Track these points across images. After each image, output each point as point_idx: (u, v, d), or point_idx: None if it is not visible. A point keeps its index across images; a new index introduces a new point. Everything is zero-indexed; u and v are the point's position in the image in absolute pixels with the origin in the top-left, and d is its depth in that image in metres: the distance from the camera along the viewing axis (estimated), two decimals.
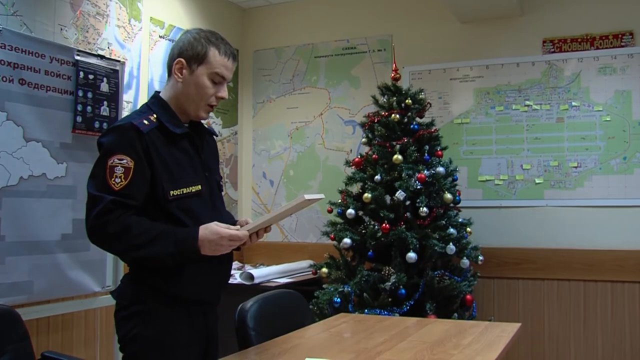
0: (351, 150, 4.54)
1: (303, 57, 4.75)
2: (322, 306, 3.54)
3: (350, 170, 3.88)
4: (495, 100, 4.19)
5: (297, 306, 2.64)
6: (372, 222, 3.63)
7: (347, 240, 3.59)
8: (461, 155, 4.21)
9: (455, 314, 3.52)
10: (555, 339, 3.90)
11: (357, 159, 3.82)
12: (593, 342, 3.84)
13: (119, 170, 1.84)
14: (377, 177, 3.63)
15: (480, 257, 3.69)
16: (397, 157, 3.58)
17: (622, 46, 3.90)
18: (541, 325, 3.96)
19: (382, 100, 3.86)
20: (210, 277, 2.00)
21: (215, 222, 1.90)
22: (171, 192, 1.91)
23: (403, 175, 3.55)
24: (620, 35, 3.91)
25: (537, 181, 4.04)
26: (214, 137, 2.22)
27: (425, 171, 3.56)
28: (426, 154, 3.65)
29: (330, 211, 3.85)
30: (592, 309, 3.86)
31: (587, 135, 3.95)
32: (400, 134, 3.71)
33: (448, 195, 3.54)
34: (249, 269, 4.10)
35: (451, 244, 3.47)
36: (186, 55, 1.98)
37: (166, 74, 2.07)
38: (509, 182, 4.11)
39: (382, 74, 4.43)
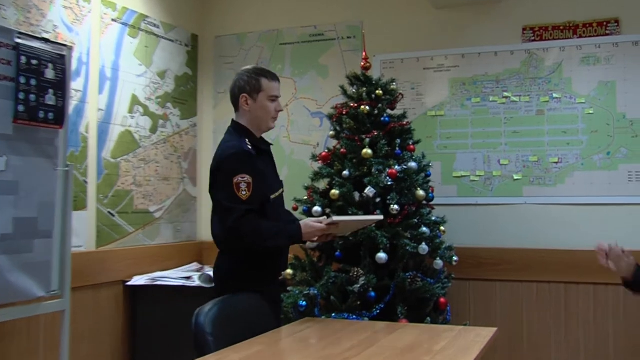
0: (318, 144, 4.54)
1: (267, 44, 4.73)
2: (286, 310, 3.53)
3: (317, 165, 3.86)
4: (471, 92, 4.23)
5: (258, 309, 2.63)
6: None
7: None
8: (435, 150, 4.24)
9: (428, 318, 3.54)
10: (535, 345, 3.95)
11: (324, 153, 3.80)
12: (575, 347, 3.90)
13: (243, 185, 2.73)
14: (346, 172, 3.61)
15: (455, 258, 3.71)
16: (367, 151, 3.58)
17: (607, 34, 3.96)
18: (520, 330, 4.01)
19: (351, 91, 3.86)
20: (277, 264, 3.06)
21: (310, 219, 2.95)
22: (271, 196, 2.87)
23: (373, 170, 3.56)
24: (605, 23, 3.97)
25: (515, 177, 4.10)
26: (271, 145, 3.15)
27: (397, 166, 3.57)
28: (397, 148, 3.66)
29: (295, 208, 3.82)
30: (574, 313, 3.93)
31: (568, 129, 4.01)
32: (370, 126, 3.71)
33: (421, 192, 3.55)
34: (209, 270, 4.06)
35: (424, 243, 3.48)
36: (246, 91, 2.94)
37: (232, 106, 3.06)
38: (486, 178, 4.16)
39: (351, 63, 4.43)
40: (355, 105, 3.76)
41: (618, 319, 3.83)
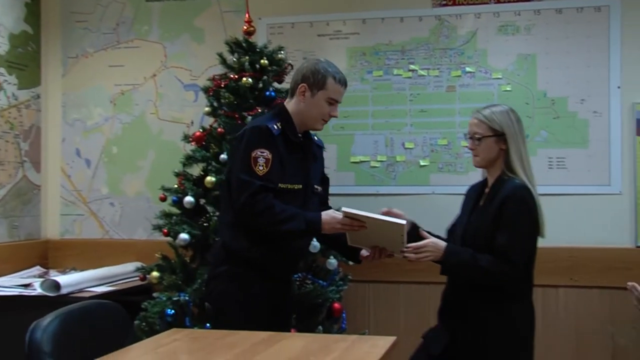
0: (192, 122, 4.48)
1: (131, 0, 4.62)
2: (152, 321, 3.48)
3: (190, 148, 3.83)
4: (372, 63, 4.28)
5: (113, 322, 2.56)
6: (216, 213, 3.61)
7: (184, 236, 3.57)
8: (330, 131, 4.26)
9: (320, 327, 3.57)
10: None
11: (198, 133, 3.78)
12: None
13: (261, 160, 2.90)
14: (223, 156, 3.62)
15: None
16: None
17: (528, 0, 4.09)
18: None
19: (232, 59, 3.84)
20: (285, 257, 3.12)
21: (333, 210, 3.07)
22: (280, 185, 2.96)
23: None
24: None
25: (422, 163, 4.19)
26: (322, 149, 3.37)
27: None
28: None
29: (163, 199, 3.78)
30: None
31: None
32: (253, 102, 3.71)
33: (318, 189, 3.57)
34: (54, 275, 3.94)
35: (315, 240, 3.50)
36: (308, 82, 3.06)
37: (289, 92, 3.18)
38: (388, 164, 4.23)
39: (232, 27, 4.39)
40: (236, 76, 3.74)
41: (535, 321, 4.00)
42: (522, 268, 2.85)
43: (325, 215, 2.99)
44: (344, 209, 2.89)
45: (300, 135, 3.14)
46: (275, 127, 3.01)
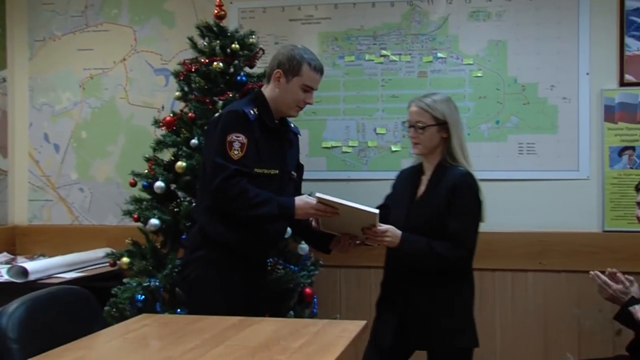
0: (163, 107, 4.46)
1: None
2: (122, 306, 3.47)
3: (161, 133, 3.82)
4: (344, 48, 4.27)
5: (82, 307, 2.55)
6: (187, 198, 3.62)
7: (154, 221, 3.56)
8: (301, 116, 4.16)
9: (292, 312, 3.58)
10: None
11: (168, 118, 3.76)
12: None
13: (236, 145, 2.93)
14: (194, 141, 3.61)
15: None
16: None
17: None
18: None
19: (202, 44, 3.82)
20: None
21: (306, 195, 3.11)
22: (255, 169, 3.00)
23: None
24: None
25: (393, 149, 4.20)
26: (298, 135, 3.38)
27: None
28: None
29: (133, 184, 3.76)
30: None
31: (454, 94, 4.08)
32: (224, 87, 3.70)
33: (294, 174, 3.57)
34: (23, 261, 3.90)
35: None
36: (283, 68, 3.08)
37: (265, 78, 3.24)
38: (360, 149, 4.23)
39: (203, 10, 4.35)
40: (207, 61, 3.73)
41: (505, 306, 4.05)
42: (473, 252, 2.95)
43: (299, 200, 3.01)
44: (318, 194, 2.91)
45: (277, 121, 3.17)
46: (252, 112, 3.03)
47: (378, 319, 3.13)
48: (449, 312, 2.93)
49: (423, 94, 3.09)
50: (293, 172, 3.29)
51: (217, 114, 3.14)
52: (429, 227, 2.90)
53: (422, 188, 3.04)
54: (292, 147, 3.31)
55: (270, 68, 3.17)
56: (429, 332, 2.92)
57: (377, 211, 2.86)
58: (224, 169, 2.92)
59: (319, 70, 3.16)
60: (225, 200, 2.96)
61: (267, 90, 3.16)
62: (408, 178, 3.15)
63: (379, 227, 2.87)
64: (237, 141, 2.93)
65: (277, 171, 3.10)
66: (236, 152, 2.93)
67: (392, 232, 2.90)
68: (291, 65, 3.09)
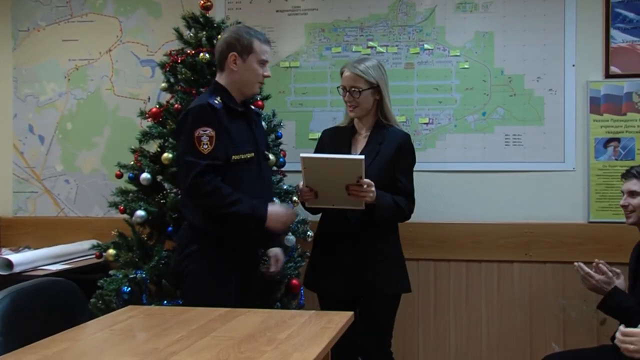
0: (149, 98, 4.44)
1: None
2: (108, 298, 3.46)
3: (147, 124, 3.80)
4: (331, 40, 4.26)
5: (68, 299, 2.55)
6: (173, 190, 3.61)
7: (140, 213, 3.55)
8: (288, 107, 4.25)
9: (279, 303, 3.59)
10: (402, 331, 4.06)
11: (154, 109, 3.74)
12: (444, 332, 4.10)
13: (205, 139, 2.95)
14: None
15: (310, 233, 3.77)
16: None
17: None
18: None
19: (189, 35, 3.80)
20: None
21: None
22: (233, 157, 3.04)
23: None
24: None
25: None
26: (260, 116, 3.50)
27: None
28: None
29: (119, 176, 3.74)
30: (444, 293, 4.12)
31: (441, 86, 4.14)
32: (210, 78, 3.66)
33: (270, 157, 3.57)
34: (7, 253, 3.89)
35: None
36: (236, 49, 3.12)
37: (217, 65, 3.23)
38: None
39: (189, 1, 4.35)
40: (193, 52, 3.72)
41: (491, 298, 4.06)
42: None
43: (273, 206, 3.14)
44: (302, 154, 3.03)
45: (240, 105, 3.23)
46: (216, 101, 3.07)
47: (320, 270, 3.35)
48: (394, 256, 3.32)
49: (355, 59, 3.40)
50: (266, 152, 3.35)
51: (184, 112, 3.17)
52: (380, 183, 3.12)
53: (358, 146, 3.33)
54: (259, 127, 3.37)
55: (221, 54, 3.19)
56: (378, 278, 3.22)
57: (362, 157, 3.01)
58: (195, 165, 2.95)
59: (268, 42, 3.24)
60: (199, 198, 3.02)
61: (223, 77, 3.19)
62: (338, 137, 3.40)
63: (364, 180, 3.01)
64: (205, 135, 2.97)
65: (252, 154, 3.14)
66: (205, 147, 2.96)
67: (373, 185, 3.08)
68: (242, 45, 3.13)
